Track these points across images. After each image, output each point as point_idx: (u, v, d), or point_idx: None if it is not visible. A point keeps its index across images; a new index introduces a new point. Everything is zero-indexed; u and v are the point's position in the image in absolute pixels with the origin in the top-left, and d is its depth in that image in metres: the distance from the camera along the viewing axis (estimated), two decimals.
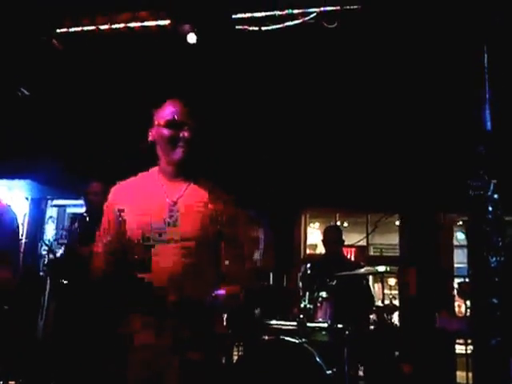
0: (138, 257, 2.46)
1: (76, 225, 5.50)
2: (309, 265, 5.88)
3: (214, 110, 6.42)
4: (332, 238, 6.23)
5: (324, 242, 6.35)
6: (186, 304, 2.38)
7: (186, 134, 2.54)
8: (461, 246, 9.78)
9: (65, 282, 5.47)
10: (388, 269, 5.80)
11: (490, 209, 3.99)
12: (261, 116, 7.23)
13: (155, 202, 2.51)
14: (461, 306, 9.90)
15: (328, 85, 6.70)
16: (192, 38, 5.73)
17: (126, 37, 5.85)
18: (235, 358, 5.11)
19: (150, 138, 2.66)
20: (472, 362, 6.18)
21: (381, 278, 8.52)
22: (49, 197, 9.27)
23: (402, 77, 6.42)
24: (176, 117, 2.57)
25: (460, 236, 10.49)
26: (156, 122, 2.62)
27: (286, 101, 6.99)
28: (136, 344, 2.41)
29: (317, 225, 12.15)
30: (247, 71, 6.41)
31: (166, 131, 2.57)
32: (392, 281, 11.89)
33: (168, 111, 2.60)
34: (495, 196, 4.00)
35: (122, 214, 2.53)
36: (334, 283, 5.12)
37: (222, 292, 2.41)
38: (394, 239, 10.69)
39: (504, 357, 3.48)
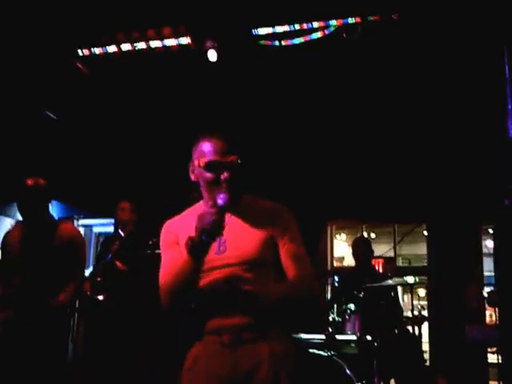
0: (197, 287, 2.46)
1: (117, 243, 5.57)
2: (336, 277, 5.89)
3: (237, 124, 6.47)
4: (361, 249, 6.24)
5: (353, 254, 6.35)
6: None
7: (226, 175, 2.46)
8: (490, 254, 9.68)
9: (100, 298, 5.53)
10: (417, 279, 5.75)
11: None
12: (285, 129, 7.26)
13: None
14: (492, 316, 9.79)
15: (350, 96, 6.72)
16: (213, 56, 5.78)
17: (148, 56, 5.93)
18: None
19: (192, 178, 2.60)
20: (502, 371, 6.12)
21: (410, 288, 8.46)
22: (76, 216, 9.36)
23: (426, 87, 6.42)
24: (215, 158, 2.48)
25: (489, 244, 10.38)
26: (196, 163, 2.55)
27: (309, 113, 7.01)
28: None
29: (343, 236, 12.07)
30: (269, 86, 6.45)
31: (207, 174, 2.50)
32: (422, 291, 11.77)
33: (206, 151, 2.51)
34: None
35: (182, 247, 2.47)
36: (361, 295, 5.10)
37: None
38: (421, 249, 10.60)
39: None
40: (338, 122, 7.25)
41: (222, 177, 2.46)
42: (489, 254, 9.42)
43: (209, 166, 2.49)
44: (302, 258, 2.58)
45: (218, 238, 2.33)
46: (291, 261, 2.53)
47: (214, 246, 2.43)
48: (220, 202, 2.35)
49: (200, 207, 2.61)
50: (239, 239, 2.50)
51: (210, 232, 2.27)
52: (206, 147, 2.52)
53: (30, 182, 4.26)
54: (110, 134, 7.50)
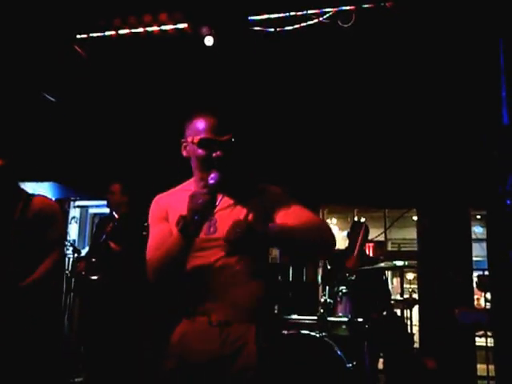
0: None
1: (111, 224, 5.66)
2: (328, 260, 5.99)
3: (232, 109, 6.52)
4: (359, 233, 6.32)
5: (350, 236, 6.43)
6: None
7: (219, 154, 2.47)
8: (478, 240, 9.81)
9: (94, 277, 5.61)
10: (406, 263, 5.86)
11: (509, 202, 4.07)
12: (279, 114, 7.31)
13: None
14: (479, 299, 9.93)
15: (344, 82, 6.78)
16: (209, 41, 5.83)
17: (145, 40, 5.97)
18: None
19: (184, 154, 2.60)
20: (493, 355, 6.24)
21: (400, 272, 8.58)
22: (72, 198, 9.40)
23: (418, 74, 6.48)
24: (209, 136, 2.48)
25: (478, 230, 10.51)
26: (190, 139, 2.54)
27: (302, 99, 7.06)
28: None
29: (334, 220, 12.18)
30: (264, 72, 6.50)
31: (199, 151, 2.50)
32: (410, 275, 11.93)
33: (201, 128, 2.51)
34: None
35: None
36: (353, 278, 5.20)
37: None
38: (411, 234, 10.72)
39: None
40: (331, 107, 7.30)
41: (215, 155, 2.46)
42: (477, 240, 9.54)
43: (202, 143, 2.49)
44: (307, 214, 2.53)
45: (210, 217, 2.35)
46: (296, 219, 2.47)
47: (205, 226, 2.43)
48: (211, 181, 2.35)
49: (189, 185, 2.63)
50: (230, 222, 2.43)
51: (202, 212, 2.28)
52: (201, 124, 2.51)
53: None
54: (106, 116, 7.53)
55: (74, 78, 6.59)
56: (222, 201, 2.51)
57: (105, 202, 6.04)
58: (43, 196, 4.18)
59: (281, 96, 6.94)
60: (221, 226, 2.46)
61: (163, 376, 2.50)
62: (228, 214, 2.50)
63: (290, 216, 2.49)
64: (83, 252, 6.61)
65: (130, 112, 7.35)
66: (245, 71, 6.48)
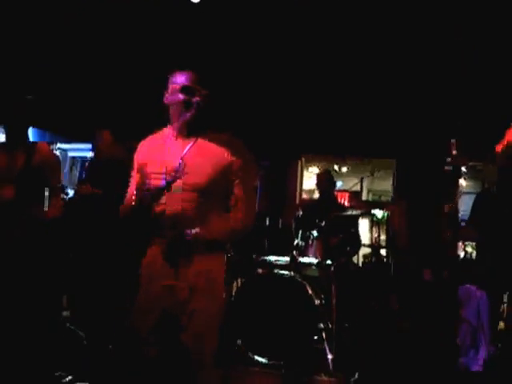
0: (149, 203, 2.80)
1: (87, 164, 5.75)
2: (302, 208, 6.22)
3: (214, 58, 6.59)
4: (323, 181, 6.53)
5: (317, 186, 6.67)
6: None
7: (198, 99, 2.87)
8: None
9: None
10: (385, 214, 6.04)
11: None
12: (260, 63, 7.37)
13: (167, 157, 2.85)
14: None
15: (325, 32, 6.83)
16: None
17: None
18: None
19: (165, 101, 2.97)
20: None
21: (377, 222, 8.74)
22: (52, 141, 9.42)
23: (399, 28, 6.57)
24: (190, 83, 2.90)
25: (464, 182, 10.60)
26: (171, 87, 2.94)
27: (283, 46, 7.11)
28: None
29: (315, 169, 12.23)
30: (245, 17, 6.54)
31: (181, 96, 2.89)
32: None
33: (184, 78, 2.93)
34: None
35: (144, 167, 2.83)
36: (323, 224, 5.41)
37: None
38: (390, 185, 10.82)
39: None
40: (312, 58, 7.37)
41: (194, 99, 2.88)
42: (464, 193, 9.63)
43: (184, 89, 2.89)
44: (248, 201, 2.99)
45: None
46: (238, 202, 2.94)
47: (175, 164, 2.81)
48: (186, 118, 2.86)
49: (167, 131, 3.01)
50: (198, 167, 2.83)
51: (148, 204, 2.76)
52: (184, 75, 2.95)
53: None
54: (86, 61, 7.54)
55: (59, 22, 6.61)
56: (194, 146, 2.90)
57: (85, 146, 6.09)
58: (45, 144, 4.39)
59: (261, 42, 6.99)
60: (189, 170, 2.80)
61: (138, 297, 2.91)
62: (198, 162, 2.85)
63: (236, 200, 2.94)
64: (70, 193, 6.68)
65: (111, 58, 7.38)
66: (228, 18, 6.53)
